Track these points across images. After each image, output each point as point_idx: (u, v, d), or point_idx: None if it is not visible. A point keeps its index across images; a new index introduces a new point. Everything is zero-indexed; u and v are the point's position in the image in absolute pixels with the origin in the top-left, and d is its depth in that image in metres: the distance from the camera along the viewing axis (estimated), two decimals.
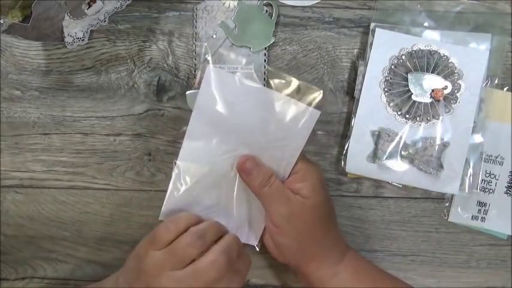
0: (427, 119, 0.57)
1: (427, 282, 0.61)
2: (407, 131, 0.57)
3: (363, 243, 0.61)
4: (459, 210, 0.60)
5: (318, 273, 0.53)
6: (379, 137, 0.57)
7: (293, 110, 0.53)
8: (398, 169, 0.58)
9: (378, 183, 0.60)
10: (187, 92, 0.59)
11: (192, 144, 0.56)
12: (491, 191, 0.59)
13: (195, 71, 0.59)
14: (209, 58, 0.59)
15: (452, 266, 0.61)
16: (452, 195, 0.60)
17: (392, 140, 0.57)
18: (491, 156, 0.59)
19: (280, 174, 0.55)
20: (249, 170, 0.53)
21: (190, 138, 0.56)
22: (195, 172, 0.56)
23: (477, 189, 0.59)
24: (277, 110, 0.54)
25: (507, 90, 0.59)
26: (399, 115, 0.57)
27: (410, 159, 0.57)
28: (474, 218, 0.60)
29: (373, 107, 0.58)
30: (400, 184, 0.59)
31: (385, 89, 0.57)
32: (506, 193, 0.59)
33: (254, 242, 0.57)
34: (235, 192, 0.56)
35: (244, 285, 0.60)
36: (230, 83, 0.55)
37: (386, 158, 0.57)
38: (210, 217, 0.55)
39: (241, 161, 0.54)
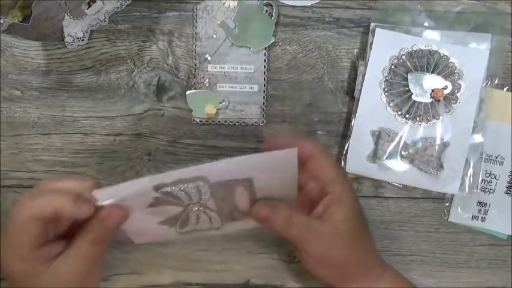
0: (427, 119, 0.57)
1: (427, 282, 0.61)
2: (407, 131, 0.57)
3: None
4: (459, 210, 0.60)
5: None
6: (379, 137, 0.57)
7: (273, 162, 0.47)
8: (398, 169, 0.58)
9: (378, 183, 0.60)
10: (187, 92, 0.59)
11: None
12: (491, 191, 0.59)
13: (195, 71, 0.59)
14: (209, 58, 0.59)
15: (452, 266, 0.61)
16: (452, 195, 0.59)
17: (392, 140, 0.57)
18: (491, 156, 0.59)
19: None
20: (265, 218, 0.48)
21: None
22: None
23: (477, 189, 0.59)
24: (261, 170, 0.48)
25: (507, 90, 0.59)
26: (399, 115, 0.57)
27: (411, 159, 0.57)
28: (474, 218, 0.60)
29: (373, 107, 0.58)
30: (400, 184, 0.59)
31: (385, 89, 0.58)
32: (507, 193, 0.59)
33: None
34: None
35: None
36: None
37: (386, 158, 0.57)
38: None
39: (255, 209, 0.48)
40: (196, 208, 0.50)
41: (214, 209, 0.50)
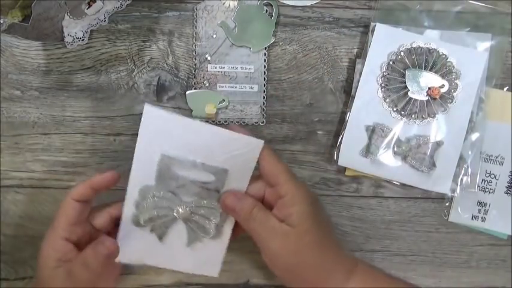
0: (422, 116, 0.57)
1: (427, 282, 0.61)
2: (401, 128, 0.57)
3: (363, 243, 0.61)
4: (459, 210, 0.60)
5: None
6: (373, 131, 0.57)
7: (236, 143, 0.49)
8: (390, 165, 0.57)
9: (377, 183, 0.60)
10: (187, 92, 0.59)
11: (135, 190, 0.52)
12: (491, 191, 0.59)
13: (195, 71, 0.60)
14: (209, 58, 0.59)
15: (452, 266, 0.61)
16: (453, 195, 0.59)
17: (386, 136, 0.57)
18: (491, 156, 0.59)
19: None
20: (231, 207, 0.50)
21: (134, 185, 0.52)
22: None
23: (475, 188, 0.59)
24: (220, 146, 0.49)
25: (507, 90, 0.59)
26: (394, 111, 0.57)
27: (403, 156, 0.57)
28: (474, 218, 0.59)
29: (369, 102, 0.58)
30: (398, 182, 0.59)
31: (382, 84, 0.57)
32: (507, 193, 0.59)
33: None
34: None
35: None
36: (170, 123, 0.50)
37: (379, 153, 0.57)
38: None
39: (222, 198, 0.50)
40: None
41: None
